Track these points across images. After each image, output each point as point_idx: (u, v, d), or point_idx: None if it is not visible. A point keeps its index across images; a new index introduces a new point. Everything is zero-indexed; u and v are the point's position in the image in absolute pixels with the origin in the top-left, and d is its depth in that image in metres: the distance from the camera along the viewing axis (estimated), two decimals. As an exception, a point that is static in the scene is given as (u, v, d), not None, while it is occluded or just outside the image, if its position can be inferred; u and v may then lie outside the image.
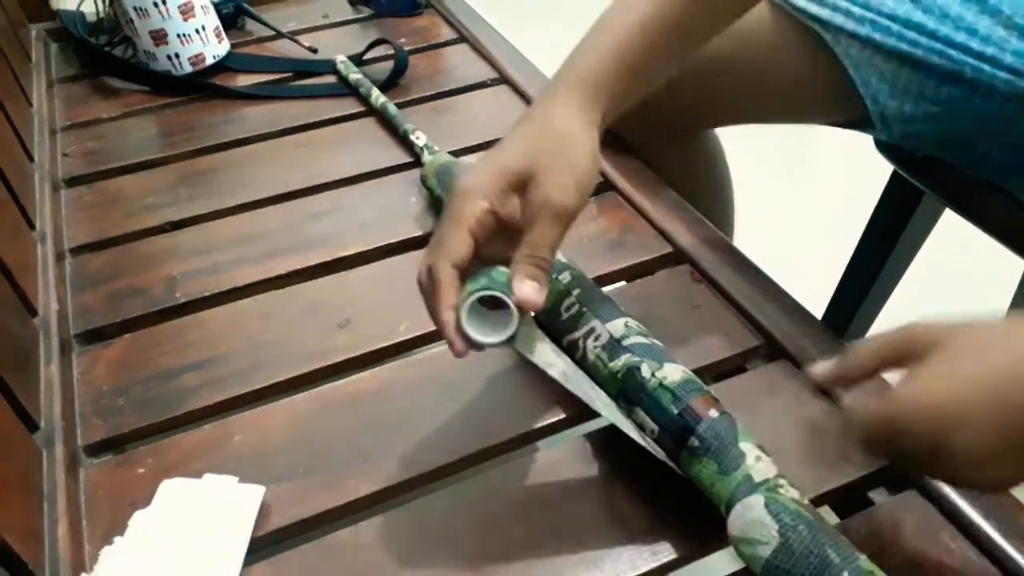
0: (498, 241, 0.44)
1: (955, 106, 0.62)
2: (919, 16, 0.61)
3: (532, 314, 0.44)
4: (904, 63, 0.62)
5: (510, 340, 0.43)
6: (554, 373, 0.45)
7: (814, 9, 0.66)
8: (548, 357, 0.46)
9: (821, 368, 0.45)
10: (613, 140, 0.77)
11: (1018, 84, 0.58)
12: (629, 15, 0.48)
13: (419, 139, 0.76)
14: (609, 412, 0.46)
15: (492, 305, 0.43)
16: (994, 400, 0.36)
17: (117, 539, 0.46)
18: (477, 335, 0.43)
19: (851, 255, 0.93)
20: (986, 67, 0.59)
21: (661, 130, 0.76)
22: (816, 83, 0.68)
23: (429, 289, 0.43)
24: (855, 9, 0.64)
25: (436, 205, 0.70)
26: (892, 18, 0.63)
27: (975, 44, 0.60)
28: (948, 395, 0.37)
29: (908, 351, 0.40)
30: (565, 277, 0.55)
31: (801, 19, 0.67)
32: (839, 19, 0.65)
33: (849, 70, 0.66)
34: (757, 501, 0.40)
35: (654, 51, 0.48)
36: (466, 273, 0.44)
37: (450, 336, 0.43)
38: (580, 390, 0.46)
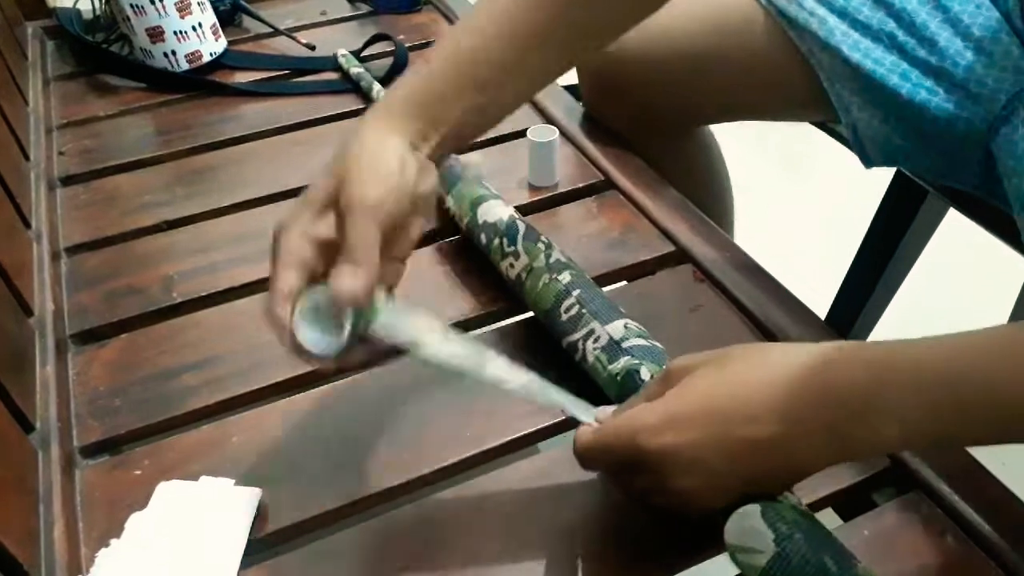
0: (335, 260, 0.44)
1: (917, 124, 0.63)
2: (891, 25, 0.62)
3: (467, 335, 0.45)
4: (871, 80, 0.63)
5: (347, 340, 0.42)
6: (511, 387, 0.45)
7: (792, 12, 0.66)
8: (501, 374, 0.45)
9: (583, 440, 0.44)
10: (614, 139, 0.76)
11: (964, 103, 0.59)
12: (444, 51, 0.49)
13: None
14: (580, 412, 0.46)
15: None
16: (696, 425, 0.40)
17: (113, 541, 0.46)
18: (313, 347, 0.42)
19: (855, 254, 0.93)
20: (940, 90, 0.60)
21: (654, 126, 0.76)
22: (798, 85, 0.68)
23: (275, 331, 0.44)
24: (830, 18, 0.64)
25: (436, 203, 0.70)
26: (866, 28, 0.63)
27: (934, 60, 0.60)
28: (644, 423, 0.41)
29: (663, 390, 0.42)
30: (565, 277, 0.54)
31: (782, 25, 0.67)
32: (814, 25, 0.65)
33: (823, 82, 0.66)
34: (754, 509, 0.39)
35: (465, 85, 0.48)
36: None
37: (289, 347, 0.43)
38: (547, 399, 0.46)
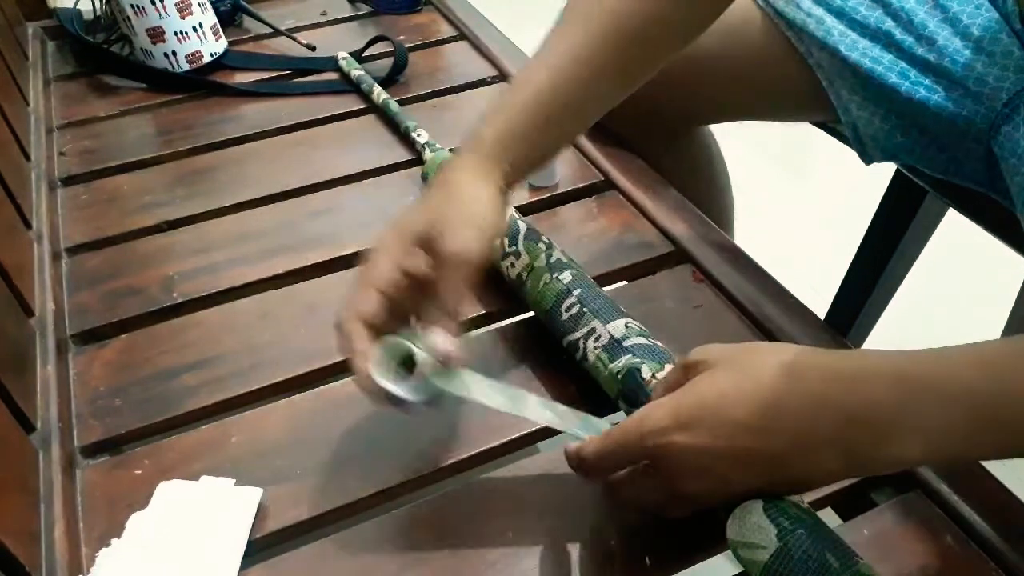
0: (416, 298, 0.47)
1: (917, 121, 0.63)
2: (888, 24, 0.62)
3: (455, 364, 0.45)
4: (870, 79, 0.63)
5: (425, 392, 0.44)
6: (494, 404, 0.46)
7: (790, 12, 0.66)
8: (484, 393, 0.46)
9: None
10: (614, 139, 0.77)
11: (963, 101, 0.59)
12: (526, 89, 0.52)
13: (420, 136, 0.76)
14: (567, 426, 0.46)
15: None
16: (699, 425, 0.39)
17: (114, 541, 0.46)
18: (390, 385, 0.44)
19: (854, 254, 0.93)
20: (939, 87, 0.60)
21: (653, 126, 0.76)
22: (797, 85, 0.69)
23: (340, 343, 0.46)
24: (828, 18, 0.64)
25: None
26: (863, 27, 0.63)
27: (932, 57, 0.60)
28: (653, 421, 0.40)
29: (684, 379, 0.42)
30: (566, 277, 0.54)
31: (780, 26, 0.67)
32: (811, 25, 0.65)
33: (823, 81, 0.66)
34: (756, 505, 0.39)
35: (547, 124, 0.51)
36: (381, 329, 0.45)
37: (361, 383, 0.45)
38: (533, 413, 0.46)
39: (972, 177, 0.64)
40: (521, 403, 0.47)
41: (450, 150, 0.73)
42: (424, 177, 0.70)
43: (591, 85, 0.52)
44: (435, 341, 0.44)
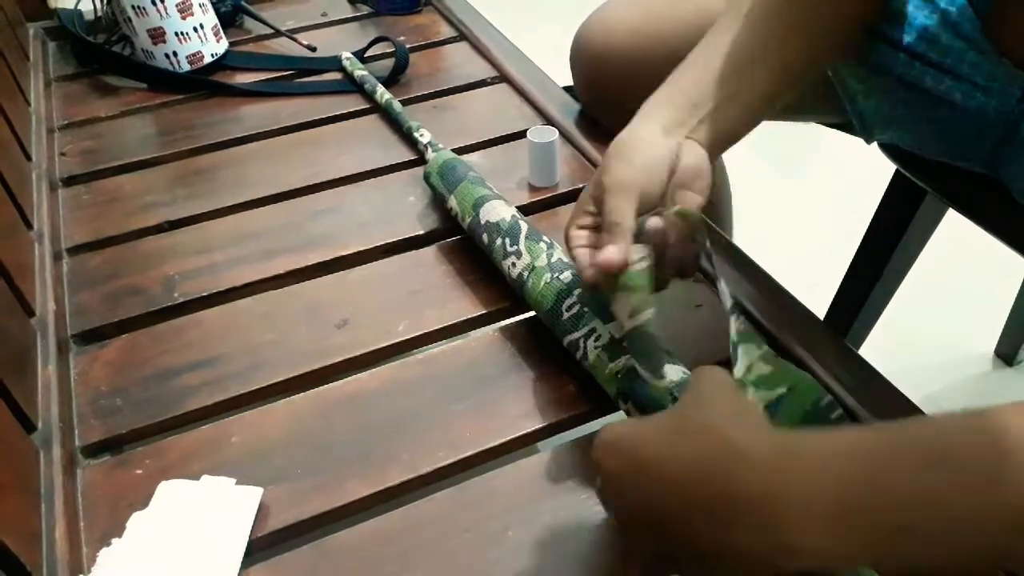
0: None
1: (923, 111, 0.63)
2: (883, 25, 0.62)
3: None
4: (875, 68, 0.63)
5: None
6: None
7: None
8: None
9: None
10: (612, 139, 0.76)
11: (972, 93, 0.59)
12: (705, 39, 0.56)
13: (423, 136, 0.76)
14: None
15: None
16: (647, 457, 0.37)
17: (115, 541, 0.46)
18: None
19: (854, 254, 0.93)
20: (946, 78, 0.60)
21: None
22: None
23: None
24: None
25: (439, 203, 0.70)
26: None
27: (933, 55, 0.60)
28: (604, 434, 0.39)
29: None
30: (567, 276, 0.54)
31: None
32: None
33: (828, 71, 0.66)
34: None
35: (714, 68, 0.55)
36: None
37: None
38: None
39: (977, 161, 0.64)
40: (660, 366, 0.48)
41: (452, 150, 0.73)
42: (426, 177, 0.70)
43: (765, 40, 0.55)
44: (602, 256, 0.48)
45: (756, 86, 0.55)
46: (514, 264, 0.58)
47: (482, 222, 0.61)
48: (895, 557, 0.33)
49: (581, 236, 0.52)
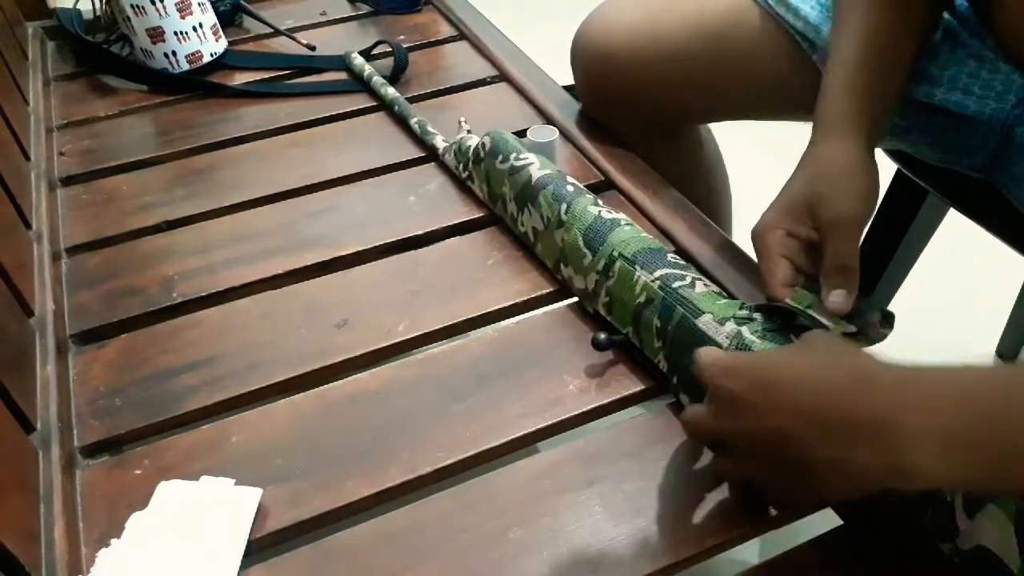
0: (806, 258, 0.53)
1: (921, 121, 0.63)
2: None
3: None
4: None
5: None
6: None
7: (790, 19, 0.67)
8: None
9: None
10: (614, 139, 0.77)
11: (968, 97, 0.59)
12: (854, 50, 0.57)
13: (433, 132, 0.77)
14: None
15: None
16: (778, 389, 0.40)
17: (114, 541, 0.46)
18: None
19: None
20: (943, 88, 0.61)
21: (650, 126, 0.76)
22: (797, 83, 0.68)
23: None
24: (825, 29, 0.64)
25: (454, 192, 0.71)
26: None
27: (933, 68, 0.61)
28: (718, 360, 0.43)
29: None
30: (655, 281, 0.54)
31: (784, 23, 0.68)
32: (811, 35, 0.65)
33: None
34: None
35: (885, 76, 0.57)
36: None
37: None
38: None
39: (974, 164, 0.64)
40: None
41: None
42: (456, 155, 0.72)
43: (897, 44, 0.57)
44: (833, 299, 0.49)
45: (895, 91, 0.58)
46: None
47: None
48: (1009, 482, 0.36)
49: (790, 244, 0.52)
